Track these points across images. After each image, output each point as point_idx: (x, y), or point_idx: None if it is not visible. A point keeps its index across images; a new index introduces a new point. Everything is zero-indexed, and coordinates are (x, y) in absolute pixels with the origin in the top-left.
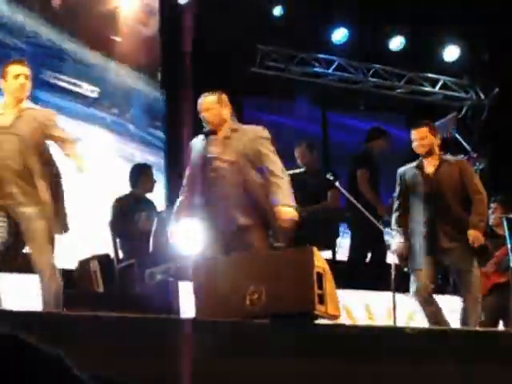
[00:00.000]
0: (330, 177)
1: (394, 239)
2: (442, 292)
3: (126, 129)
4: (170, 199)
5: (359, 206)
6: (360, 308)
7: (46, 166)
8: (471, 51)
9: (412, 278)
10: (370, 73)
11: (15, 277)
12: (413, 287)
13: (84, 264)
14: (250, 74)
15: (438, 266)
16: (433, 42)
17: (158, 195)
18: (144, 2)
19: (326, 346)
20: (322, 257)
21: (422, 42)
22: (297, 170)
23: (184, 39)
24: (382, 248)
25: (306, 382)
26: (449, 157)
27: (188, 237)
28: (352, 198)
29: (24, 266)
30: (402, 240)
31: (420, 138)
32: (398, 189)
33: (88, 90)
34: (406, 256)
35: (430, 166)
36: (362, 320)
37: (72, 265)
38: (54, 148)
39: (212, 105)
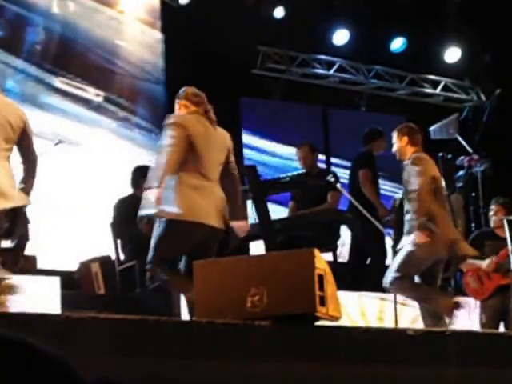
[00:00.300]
0: (330, 178)
1: None
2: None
3: (131, 132)
4: None
5: (360, 207)
6: (359, 310)
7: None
8: (472, 53)
9: None
10: (371, 74)
11: (16, 278)
12: None
13: (85, 266)
14: (250, 76)
15: None
16: (434, 44)
17: None
18: (147, 5)
19: (327, 348)
20: (323, 258)
21: (423, 43)
22: (299, 172)
23: (185, 41)
24: (383, 249)
25: (307, 383)
26: None
27: None
28: (353, 200)
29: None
30: None
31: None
32: None
33: (93, 94)
34: None
35: None
36: (362, 322)
37: (73, 266)
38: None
39: None
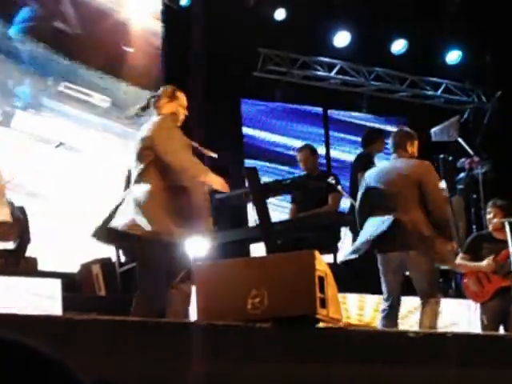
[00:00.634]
0: (331, 181)
1: None
2: (444, 295)
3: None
4: None
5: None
6: (360, 312)
7: None
8: (473, 55)
9: None
10: (372, 76)
11: (16, 280)
12: None
13: (86, 268)
14: (251, 78)
15: None
16: (435, 46)
17: None
18: (149, 8)
19: (328, 350)
20: (323, 260)
21: (424, 45)
22: (299, 174)
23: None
24: None
25: None
26: None
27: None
28: (354, 201)
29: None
30: None
31: None
32: None
33: (99, 99)
34: None
35: None
36: (363, 323)
37: (74, 268)
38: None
39: None
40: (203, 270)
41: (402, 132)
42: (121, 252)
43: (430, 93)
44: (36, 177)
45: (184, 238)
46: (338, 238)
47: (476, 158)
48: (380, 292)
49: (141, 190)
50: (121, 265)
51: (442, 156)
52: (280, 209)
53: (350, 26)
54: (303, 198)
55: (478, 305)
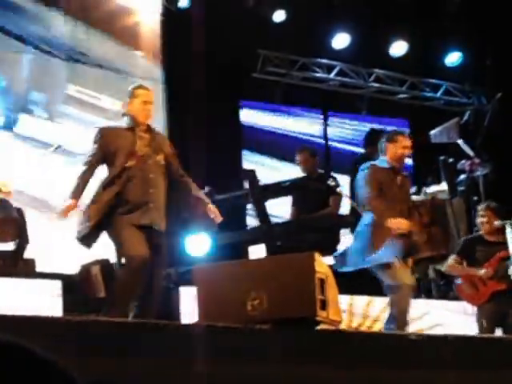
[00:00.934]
0: (331, 182)
1: None
2: (445, 297)
3: None
4: None
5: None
6: (361, 313)
7: None
8: (473, 56)
9: None
10: (372, 78)
11: (15, 281)
12: None
13: (85, 269)
14: (251, 79)
15: None
16: (435, 48)
17: None
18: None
19: (328, 352)
20: (324, 262)
21: (424, 47)
22: (299, 176)
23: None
24: None
25: None
26: None
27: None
28: (354, 203)
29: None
30: None
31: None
32: None
33: (110, 103)
34: None
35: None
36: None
37: (73, 270)
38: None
39: None
40: (203, 271)
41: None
42: None
43: (429, 94)
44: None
45: None
46: (338, 240)
47: (477, 160)
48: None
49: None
50: (120, 266)
51: (442, 158)
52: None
53: (349, 28)
54: (303, 199)
55: (475, 308)
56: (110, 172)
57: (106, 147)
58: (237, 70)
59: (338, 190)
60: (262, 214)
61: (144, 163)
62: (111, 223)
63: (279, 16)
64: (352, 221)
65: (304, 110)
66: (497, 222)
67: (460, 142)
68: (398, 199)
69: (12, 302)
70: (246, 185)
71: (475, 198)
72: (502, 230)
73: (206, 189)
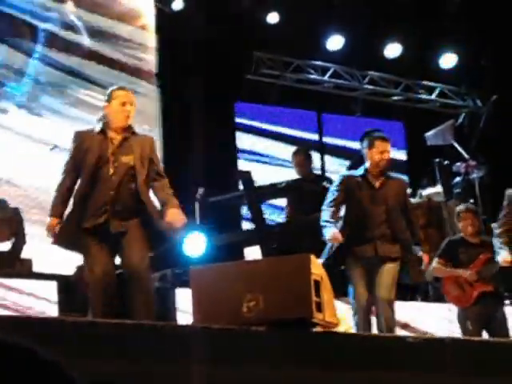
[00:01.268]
0: (326, 184)
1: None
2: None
3: None
4: None
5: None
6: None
7: None
8: (469, 59)
9: None
10: (366, 80)
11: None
12: None
13: (81, 270)
14: (245, 81)
15: None
16: (430, 50)
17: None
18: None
19: (324, 354)
20: (319, 264)
21: (419, 49)
22: (294, 178)
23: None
24: None
25: None
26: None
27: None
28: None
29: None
30: None
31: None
32: None
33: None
34: None
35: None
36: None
37: (69, 270)
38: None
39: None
40: (198, 273)
41: None
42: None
43: (424, 97)
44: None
45: None
46: None
47: (472, 162)
48: None
49: None
50: (116, 267)
51: (437, 160)
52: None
53: (343, 30)
54: (298, 201)
55: (459, 309)
56: (81, 177)
57: (78, 151)
58: (231, 72)
59: None
60: (258, 216)
61: (109, 165)
62: (78, 236)
63: (274, 18)
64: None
65: (298, 111)
66: (494, 224)
67: (455, 144)
68: (369, 205)
69: (7, 302)
70: (242, 186)
71: (471, 201)
72: (482, 232)
73: (200, 190)
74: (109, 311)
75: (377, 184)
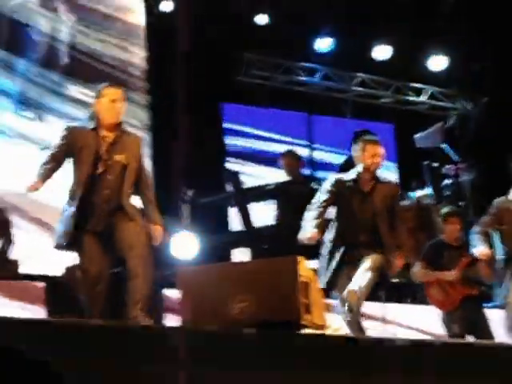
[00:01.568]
0: (315, 186)
1: None
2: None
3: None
4: None
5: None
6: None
7: None
8: (459, 61)
9: None
10: (356, 82)
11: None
12: None
13: (70, 271)
14: (235, 82)
15: None
16: (420, 52)
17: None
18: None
19: (312, 356)
20: (308, 266)
21: (409, 51)
22: (283, 180)
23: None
24: None
25: None
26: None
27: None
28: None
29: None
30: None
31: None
32: None
33: None
34: None
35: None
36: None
37: (58, 271)
38: None
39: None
40: (188, 274)
41: None
42: None
43: (414, 99)
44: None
45: None
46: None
47: (462, 165)
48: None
49: None
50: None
51: (426, 162)
52: None
53: (333, 32)
54: (287, 203)
55: (442, 313)
56: (76, 174)
57: (72, 145)
58: (221, 73)
59: None
60: (246, 218)
61: (104, 164)
62: (77, 238)
63: (263, 19)
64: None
65: (288, 113)
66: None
67: (444, 146)
68: (358, 210)
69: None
70: (229, 187)
71: (461, 203)
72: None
73: (190, 192)
74: (104, 311)
75: (367, 188)
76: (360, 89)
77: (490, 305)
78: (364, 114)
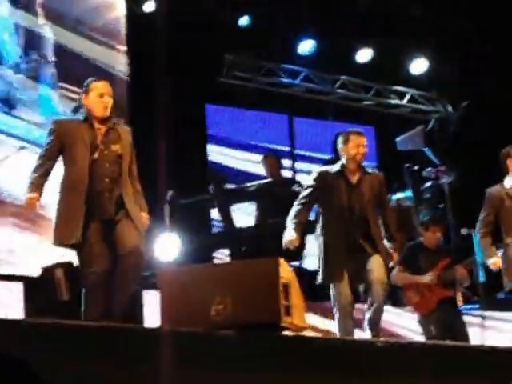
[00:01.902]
0: (296, 188)
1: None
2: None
3: None
4: None
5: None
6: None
7: None
8: (439, 64)
9: None
10: (338, 84)
11: None
12: None
13: (48, 271)
14: (217, 84)
15: None
16: (401, 55)
17: None
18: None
19: (293, 358)
20: (288, 268)
21: (390, 54)
22: (264, 181)
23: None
24: None
25: None
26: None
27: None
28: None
29: None
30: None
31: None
32: None
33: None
34: None
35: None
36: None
37: (36, 272)
38: None
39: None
40: (167, 275)
41: None
42: None
43: (395, 102)
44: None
45: None
46: (303, 246)
47: (442, 168)
48: None
49: None
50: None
51: (407, 165)
52: None
53: (315, 34)
54: (268, 205)
55: (418, 315)
56: (72, 166)
57: (63, 138)
58: (203, 74)
59: None
60: (227, 219)
61: (101, 154)
62: (79, 230)
63: (245, 21)
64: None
65: (270, 114)
66: (463, 230)
67: (425, 149)
68: (346, 202)
69: None
70: (211, 189)
71: (441, 206)
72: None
73: (170, 193)
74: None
75: (354, 180)
76: (341, 91)
77: (468, 307)
78: (345, 117)
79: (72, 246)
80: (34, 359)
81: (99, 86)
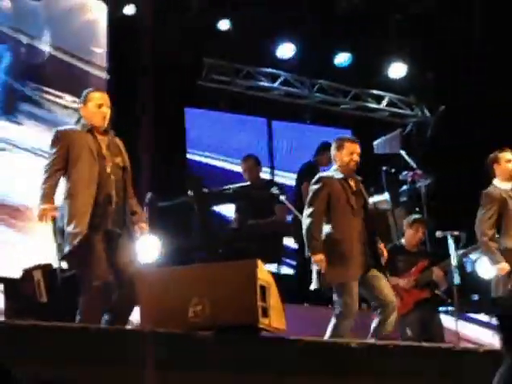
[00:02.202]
0: (275, 191)
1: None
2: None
3: None
4: None
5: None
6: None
7: None
8: (417, 69)
9: None
10: (316, 88)
11: None
12: None
13: (28, 273)
14: (196, 87)
15: None
16: (379, 59)
17: None
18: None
19: (269, 360)
20: (266, 270)
21: (369, 58)
22: (243, 184)
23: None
24: None
25: None
26: None
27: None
28: (296, 211)
29: None
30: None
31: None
32: None
33: (70, 101)
34: None
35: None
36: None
37: (17, 273)
38: None
39: None
40: (146, 276)
41: None
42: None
43: (373, 106)
44: None
45: None
46: (281, 248)
47: (419, 171)
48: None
49: None
50: (62, 271)
51: (384, 168)
52: None
53: (294, 38)
54: (246, 207)
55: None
56: (79, 175)
57: (69, 148)
58: (182, 77)
59: (281, 198)
60: (205, 221)
61: (108, 165)
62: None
63: (224, 25)
64: (295, 229)
65: (248, 118)
66: (438, 233)
67: (402, 152)
68: (355, 206)
69: None
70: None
71: (417, 209)
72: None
73: (149, 195)
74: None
75: (356, 187)
76: (320, 95)
77: (443, 309)
78: (324, 120)
79: (77, 250)
80: (12, 360)
81: (97, 97)
